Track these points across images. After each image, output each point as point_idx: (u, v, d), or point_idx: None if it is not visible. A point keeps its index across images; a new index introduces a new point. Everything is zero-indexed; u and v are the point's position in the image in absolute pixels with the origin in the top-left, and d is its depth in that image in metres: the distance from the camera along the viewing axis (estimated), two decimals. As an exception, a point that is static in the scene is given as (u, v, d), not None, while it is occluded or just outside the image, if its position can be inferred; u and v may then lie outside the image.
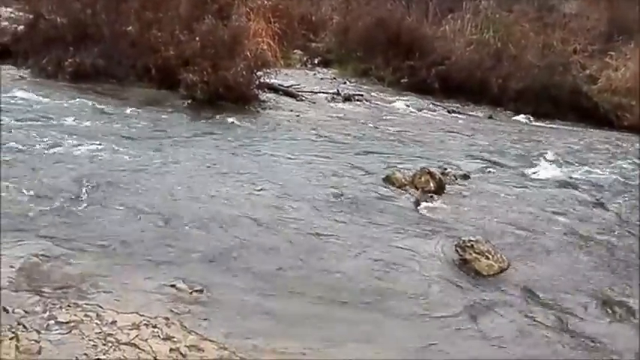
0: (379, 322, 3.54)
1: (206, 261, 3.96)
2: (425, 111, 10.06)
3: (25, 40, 9.34)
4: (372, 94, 10.74)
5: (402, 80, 11.66)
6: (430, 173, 5.88)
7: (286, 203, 5.10)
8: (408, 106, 10.21)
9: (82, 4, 9.00)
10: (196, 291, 3.51)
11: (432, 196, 5.65)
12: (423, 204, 5.49)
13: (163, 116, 7.55)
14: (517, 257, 4.55)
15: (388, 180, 5.92)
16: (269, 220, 4.71)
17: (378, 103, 10.13)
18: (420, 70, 11.55)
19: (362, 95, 10.40)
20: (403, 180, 5.89)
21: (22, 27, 9.61)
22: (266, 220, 4.70)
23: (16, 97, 7.49)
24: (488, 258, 4.29)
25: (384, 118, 9.09)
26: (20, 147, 5.66)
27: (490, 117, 10.45)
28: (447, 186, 5.90)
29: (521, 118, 10.70)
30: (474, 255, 4.29)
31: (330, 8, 15.33)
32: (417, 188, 5.76)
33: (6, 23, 10.15)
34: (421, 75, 11.48)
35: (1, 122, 6.20)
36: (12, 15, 10.21)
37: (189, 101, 8.16)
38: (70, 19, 9.12)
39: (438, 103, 10.69)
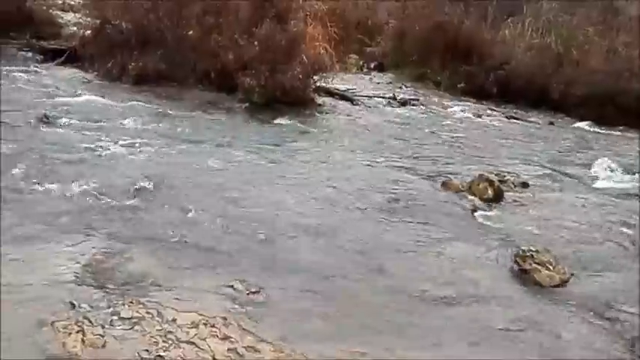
0: (434, 330, 3.49)
1: (262, 262, 4.00)
2: (482, 116, 9.86)
3: (91, 44, 9.69)
4: (429, 98, 10.60)
5: (459, 85, 11.46)
6: (488, 180, 5.77)
7: (342, 207, 5.11)
8: (465, 111, 10.03)
9: (146, 9, 9.26)
10: (253, 292, 3.56)
11: (490, 204, 5.54)
12: (481, 211, 5.39)
13: (221, 119, 7.69)
14: (579, 269, 4.40)
15: (445, 186, 5.84)
16: (325, 223, 4.73)
17: (435, 107, 9.99)
18: (477, 75, 11.33)
19: (418, 100, 10.29)
20: (460, 186, 5.81)
21: (89, 32, 9.98)
22: (322, 222, 4.72)
23: (82, 99, 7.80)
24: (549, 269, 4.17)
25: (441, 123, 8.96)
26: (85, 147, 5.89)
27: (551, 123, 10.15)
28: (505, 194, 5.78)
29: (583, 124, 10.32)
30: (534, 265, 4.18)
31: (386, 12, 15.27)
32: (474, 195, 5.66)
33: (74, 28, 10.60)
34: (479, 80, 11.25)
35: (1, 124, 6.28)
36: (80, 20, 10.63)
37: (247, 104, 8.28)
38: (134, 24, 9.41)
39: (496, 109, 10.45)
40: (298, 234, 4.47)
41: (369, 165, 6.39)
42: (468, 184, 5.82)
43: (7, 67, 8.95)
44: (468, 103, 10.58)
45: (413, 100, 10.23)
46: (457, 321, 3.59)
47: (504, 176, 6.28)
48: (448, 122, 9.14)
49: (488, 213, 5.38)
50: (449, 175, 6.12)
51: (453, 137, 8.15)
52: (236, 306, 3.39)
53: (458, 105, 10.38)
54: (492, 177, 5.93)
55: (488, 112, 10.25)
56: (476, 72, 11.36)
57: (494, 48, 11.83)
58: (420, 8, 13.11)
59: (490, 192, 5.65)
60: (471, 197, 5.63)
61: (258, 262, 3.97)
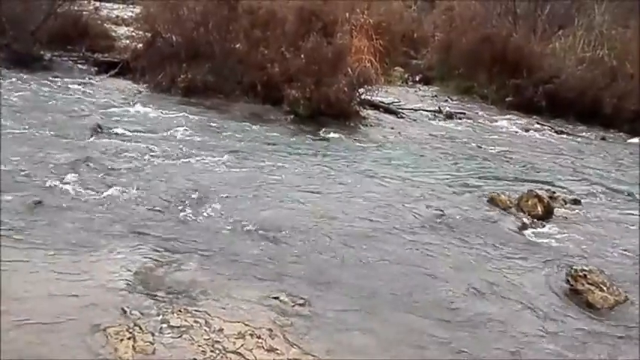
0: (479, 349, 3.41)
1: (308, 274, 4.01)
2: (531, 131, 9.67)
3: (143, 57, 9.99)
4: (475, 112, 10.49)
5: (507, 98, 11.28)
6: (538, 196, 5.63)
7: (387, 221, 5.08)
8: (512, 125, 9.87)
9: (195, 23, 9.48)
10: (299, 304, 3.57)
11: (539, 221, 5.40)
12: (530, 229, 5.26)
13: (266, 131, 7.77)
14: (634, 291, 4.24)
15: (492, 202, 5.74)
16: (370, 236, 4.70)
17: (482, 121, 9.87)
18: (526, 89, 11.13)
19: (464, 113, 10.18)
20: (508, 202, 5.69)
21: (140, 45, 10.29)
22: (367, 236, 4.70)
23: (133, 110, 8.02)
24: (602, 290, 4.03)
25: (488, 137, 8.83)
26: (136, 157, 6.04)
27: (603, 139, 9.87)
28: (555, 210, 5.64)
29: (637, 140, 10.00)
30: (587, 286, 4.05)
31: (432, 25, 15.21)
32: (523, 211, 5.54)
33: (127, 41, 10.95)
34: (527, 93, 11.06)
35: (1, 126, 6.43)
36: (132, 34, 10.96)
37: (292, 116, 8.36)
38: (184, 38, 9.66)
39: (545, 123, 10.24)
40: (344, 247, 4.46)
41: (413, 179, 6.34)
42: (517, 200, 5.70)
43: (64, 79, 9.32)
44: (516, 117, 10.41)
45: (459, 113, 10.14)
46: (504, 342, 3.50)
47: (554, 192, 6.13)
48: (495, 136, 9.00)
49: (538, 230, 5.25)
50: (496, 191, 6.00)
51: (500, 152, 8.02)
52: (282, 318, 3.40)
53: (505, 119, 10.22)
54: (542, 193, 5.79)
55: (537, 126, 10.05)
56: (524, 85, 11.17)
57: (544, 61, 11.61)
58: (467, 21, 13.00)
59: (540, 208, 5.52)
60: (519, 214, 5.51)
61: (304, 274, 3.97)
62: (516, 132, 9.53)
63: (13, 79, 8.85)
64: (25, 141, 6.12)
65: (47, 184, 5.01)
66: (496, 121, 10.05)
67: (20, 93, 8.16)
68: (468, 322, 3.67)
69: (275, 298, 3.60)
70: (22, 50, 9.78)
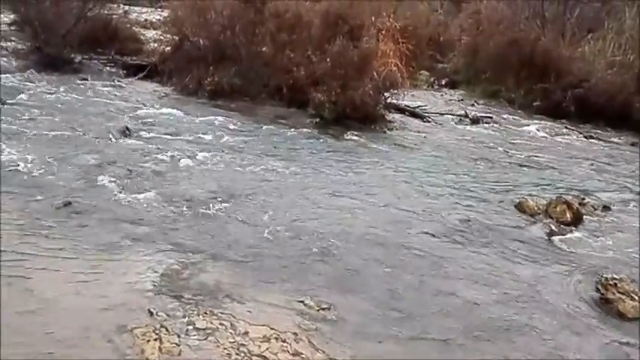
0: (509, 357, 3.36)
1: (333, 278, 4.00)
2: (559, 136, 9.51)
3: (170, 60, 10.10)
4: (502, 116, 10.35)
5: (535, 103, 11.11)
6: (567, 203, 5.53)
7: (412, 225, 5.05)
8: (540, 130, 9.71)
9: (222, 26, 9.55)
10: (323, 309, 3.56)
11: (568, 227, 5.31)
12: (559, 235, 5.17)
13: (291, 134, 7.78)
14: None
15: (520, 207, 5.66)
16: (395, 242, 4.68)
17: (509, 126, 9.73)
18: (554, 93, 10.94)
19: (491, 118, 10.06)
20: (536, 208, 5.60)
21: (168, 48, 10.40)
22: (391, 241, 4.68)
23: (160, 113, 8.12)
24: (633, 299, 3.94)
25: (515, 142, 8.71)
26: (163, 159, 6.10)
27: (633, 144, 9.65)
28: (585, 217, 5.53)
29: (669, 146, 9.76)
30: (618, 295, 3.96)
31: (458, 28, 15.09)
32: (551, 218, 5.45)
33: (155, 45, 11.08)
34: (556, 98, 10.86)
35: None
36: (160, 37, 11.08)
37: (317, 120, 8.35)
38: (211, 41, 9.75)
39: (574, 128, 10.06)
40: (368, 252, 4.44)
41: (439, 183, 6.29)
42: (545, 206, 5.61)
43: (93, 82, 9.48)
44: (544, 122, 10.24)
45: (485, 117, 10.01)
46: (533, 351, 3.45)
47: (583, 199, 6.02)
48: (522, 141, 8.88)
49: (567, 237, 5.15)
50: (524, 197, 5.91)
51: (527, 157, 7.90)
52: (307, 322, 3.40)
53: (533, 123, 10.06)
54: (571, 199, 5.68)
55: (565, 131, 9.88)
56: (552, 89, 10.98)
57: (573, 65, 11.40)
58: (494, 24, 12.85)
59: (569, 215, 5.42)
60: (547, 220, 5.42)
61: (329, 278, 3.97)
62: (544, 137, 9.38)
63: (45, 82, 9.03)
64: (56, 142, 6.24)
65: (76, 186, 5.10)
66: (524, 125, 9.91)
67: (51, 95, 8.32)
68: (494, 330, 3.63)
69: (300, 301, 3.60)
70: (54, 53, 9.97)
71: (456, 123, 9.58)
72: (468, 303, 3.90)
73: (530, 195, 6.03)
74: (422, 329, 3.54)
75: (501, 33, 12.34)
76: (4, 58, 10.26)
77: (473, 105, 11.11)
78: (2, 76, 9.14)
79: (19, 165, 5.44)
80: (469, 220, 5.31)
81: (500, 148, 8.21)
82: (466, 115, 9.91)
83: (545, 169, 7.42)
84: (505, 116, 10.42)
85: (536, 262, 4.60)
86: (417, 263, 4.37)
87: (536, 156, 8.00)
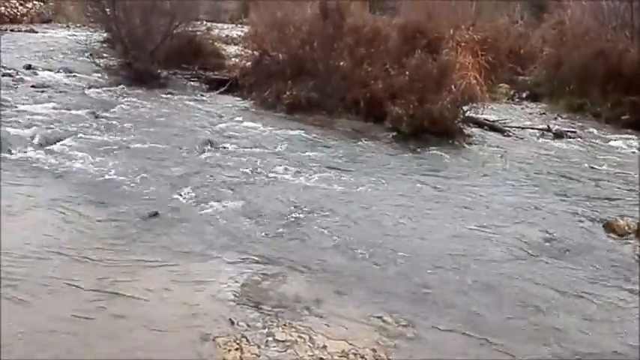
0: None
1: (412, 295, 3.96)
2: (650, 152, 9.00)
3: (250, 74, 10.40)
4: (587, 131, 9.91)
5: (623, 117, 10.56)
6: (661, 224, 5.22)
7: (493, 243, 4.91)
8: (629, 145, 9.21)
9: (301, 41, 9.73)
10: (402, 325, 3.53)
11: (663, 250, 5.00)
12: (652, 258, 4.88)
13: (369, 148, 7.80)
14: None
15: (608, 227, 5.38)
16: (475, 258, 4.57)
17: (595, 141, 9.31)
18: (644, 106, 10.39)
19: (575, 132, 9.66)
20: (627, 228, 5.31)
21: (248, 63, 10.71)
22: (472, 258, 4.57)
23: (241, 126, 8.36)
24: None
25: (602, 157, 8.31)
26: (243, 171, 6.28)
27: None
28: (682, 239, 5.19)
29: None
30: None
31: (540, 40, 14.63)
32: (644, 239, 5.15)
33: (236, 60, 11.45)
34: (646, 111, 10.31)
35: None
36: (241, 52, 11.44)
37: (394, 134, 8.32)
38: (289, 55, 9.96)
39: (668, 144, 9.49)
40: (447, 268, 4.36)
41: (520, 200, 6.09)
42: (637, 226, 5.31)
43: (178, 96, 9.91)
44: (633, 137, 9.71)
45: (569, 132, 9.62)
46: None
47: (680, 220, 5.65)
48: (610, 157, 8.45)
49: (661, 260, 4.86)
50: (612, 216, 5.63)
51: (615, 173, 7.52)
52: (385, 339, 3.38)
53: (621, 138, 9.56)
54: (666, 220, 5.36)
55: (658, 146, 9.33)
56: (643, 103, 10.42)
57: (665, 77, 10.78)
58: (579, 35, 12.38)
59: (663, 237, 5.11)
60: (639, 241, 5.13)
61: (408, 295, 3.93)
62: (633, 152, 8.90)
63: (133, 96, 9.54)
64: (143, 154, 6.56)
65: (162, 196, 5.33)
66: (611, 140, 9.44)
67: (139, 109, 8.76)
68: (579, 353, 3.46)
69: (378, 317, 3.58)
70: (142, 69, 10.52)
71: (537, 137, 9.26)
72: (552, 325, 3.74)
73: (619, 214, 5.73)
74: (504, 352, 3.43)
75: (587, 44, 11.86)
76: (97, 74, 10.93)
77: (556, 119, 10.72)
78: (95, 90, 9.74)
79: (110, 175, 5.76)
80: (552, 239, 5.10)
81: (585, 164, 7.86)
82: (549, 129, 9.57)
83: (636, 186, 7.02)
84: (591, 130, 9.98)
85: (624, 285, 4.35)
86: (497, 282, 4.24)
87: (625, 172, 7.59)
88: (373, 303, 3.76)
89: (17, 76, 10.06)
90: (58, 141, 6.65)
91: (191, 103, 9.62)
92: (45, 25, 18.94)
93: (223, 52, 12.59)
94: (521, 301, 4.03)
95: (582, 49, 11.81)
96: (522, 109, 11.58)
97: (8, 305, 3.42)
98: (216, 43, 13.12)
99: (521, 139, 9.08)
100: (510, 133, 9.24)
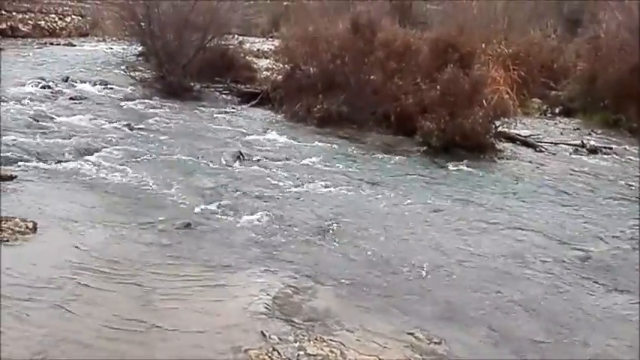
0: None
1: (443, 311, 3.92)
2: (690, 169, 8.77)
3: (281, 87, 10.50)
4: (623, 147, 9.71)
5: (661, 133, 10.36)
6: (702, 243, 5.07)
7: (527, 260, 4.84)
8: (668, 162, 9.01)
9: (332, 55, 9.79)
10: (434, 342, 3.49)
11: None
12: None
13: (399, 161, 7.78)
14: None
15: (647, 247, 5.26)
16: (509, 275, 4.51)
17: (631, 157, 9.11)
18: (683, 122, 10.16)
19: (611, 148, 9.48)
20: (666, 249, 5.18)
21: (280, 76, 10.82)
22: (506, 275, 4.51)
23: (272, 138, 8.44)
24: None
25: (638, 174, 8.13)
26: (274, 184, 6.32)
27: None
28: None
29: None
30: None
31: (574, 55, 14.43)
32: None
33: (267, 73, 11.57)
34: (685, 128, 10.08)
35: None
36: (272, 66, 11.56)
37: (425, 148, 8.29)
38: (321, 69, 10.02)
39: None
40: (481, 285, 4.31)
41: (554, 217, 5.98)
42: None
43: (210, 108, 10.05)
44: (671, 154, 9.49)
45: (604, 148, 9.45)
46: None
47: None
48: (647, 174, 8.27)
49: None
50: (650, 235, 5.50)
51: (653, 191, 7.35)
52: (417, 355, 3.35)
53: (660, 155, 9.35)
54: None
55: (697, 164, 9.09)
56: (681, 119, 10.20)
57: None
58: (614, 49, 12.18)
59: None
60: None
61: (439, 311, 3.89)
62: (672, 170, 8.69)
63: (167, 108, 9.71)
64: (176, 165, 6.66)
65: (195, 208, 5.39)
66: (649, 156, 9.24)
67: (173, 121, 8.91)
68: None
69: (409, 333, 3.55)
70: (175, 82, 10.72)
71: (571, 153, 9.12)
72: (592, 348, 3.66)
73: (658, 233, 5.60)
74: (538, 372, 3.37)
75: (622, 59, 11.67)
76: (132, 86, 11.16)
77: (590, 134, 10.53)
78: (130, 102, 9.94)
79: (144, 186, 5.86)
80: (589, 258, 5.01)
81: (621, 182, 7.70)
82: (583, 145, 9.41)
83: (674, 204, 6.85)
84: (627, 147, 9.78)
85: (666, 307, 4.23)
86: (531, 300, 4.17)
87: (663, 191, 7.41)
88: (404, 318, 3.73)
89: (56, 88, 10.34)
90: (95, 152, 6.80)
91: (223, 115, 9.75)
92: (82, 39, 19.47)
93: (254, 66, 12.74)
94: (556, 319, 3.95)
95: (618, 64, 11.63)
96: (555, 124, 11.42)
97: (46, 312, 3.48)
98: (247, 57, 13.29)
99: (554, 154, 8.94)
100: (543, 149, 9.12)
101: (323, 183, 6.47)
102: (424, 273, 4.42)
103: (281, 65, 11.01)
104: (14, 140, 6.84)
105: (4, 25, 18.28)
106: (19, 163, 6.10)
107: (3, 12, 18.59)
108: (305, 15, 15.44)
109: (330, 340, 3.42)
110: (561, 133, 10.54)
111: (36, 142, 6.90)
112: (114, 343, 3.25)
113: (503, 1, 16.74)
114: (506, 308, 4.03)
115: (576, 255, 5.04)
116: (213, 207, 5.45)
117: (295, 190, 6.21)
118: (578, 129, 11.03)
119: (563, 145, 9.46)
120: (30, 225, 4.51)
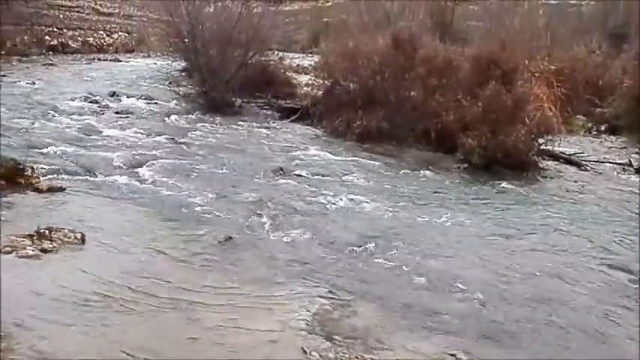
0: None
1: (484, 331, 3.85)
2: None
3: (321, 103, 10.57)
4: (673, 166, 9.40)
5: None
6: None
7: (573, 281, 4.72)
8: None
9: (372, 71, 9.81)
10: (476, 365, 3.43)
11: None
12: None
13: (439, 179, 7.72)
14: None
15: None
16: (553, 297, 4.40)
17: (681, 177, 8.83)
18: None
19: (660, 168, 9.19)
20: None
21: (319, 92, 10.89)
22: (550, 296, 4.41)
23: (311, 154, 8.49)
24: None
25: (689, 195, 7.86)
26: (314, 200, 6.34)
27: None
28: None
29: None
30: None
31: (620, 71, 14.10)
32: None
33: (307, 89, 11.66)
34: None
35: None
36: (312, 82, 11.65)
37: (465, 165, 8.21)
38: (360, 85, 10.06)
39: None
40: (525, 307, 4.22)
41: (599, 239, 5.82)
42: None
43: (251, 123, 10.19)
44: None
45: (653, 167, 9.17)
46: None
47: None
48: (698, 195, 7.98)
49: None
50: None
51: None
52: (459, 378, 3.30)
53: None
54: None
55: None
56: None
57: None
58: (663, 66, 11.86)
59: None
60: None
61: (483, 332, 3.82)
62: None
63: (209, 123, 9.89)
64: (218, 179, 6.76)
65: (236, 222, 5.45)
66: (699, 177, 8.92)
67: (214, 135, 9.07)
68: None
69: (452, 355, 3.50)
70: (218, 97, 10.93)
71: (617, 172, 8.88)
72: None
73: None
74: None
75: (672, 75, 11.35)
76: (176, 101, 11.42)
77: (637, 153, 10.24)
78: (174, 117, 10.17)
79: (187, 199, 5.96)
80: (636, 280, 4.85)
81: (672, 202, 7.45)
82: (630, 164, 9.15)
83: None
84: (678, 166, 9.45)
85: None
86: (581, 323, 4.06)
87: None
88: (446, 339, 3.68)
89: (103, 103, 10.66)
90: (140, 165, 6.97)
91: (263, 130, 9.87)
92: (128, 55, 20.07)
93: (294, 81, 12.87)
94: (606, 343, 3.84)
95: (666, 80, 11.31)
96: (600, 142, 11.15)
97: (91, 325, 3.56)
98: (287, 73, 13.44)
99: (600, 173, 8.73)
100: (588, 168, 8.91)
101: (363, 199, 6.47)
102: (469, 292, 4.35)
103: (321, 81, 11.09)
104: (64, 153, 7.08)
105: (55, 42, 19.04)
106: (68, 176, 6.30)
107: (55, 29, 19.35)
108: (345, 31, 15.58)
109: (371, 358, 3.40)
110: (607, 152, 10.29)
111: (84, 155, 7.12)
112: (152, 354, 3.29)
113: (546, 16, 16.54)
114: (553, 331, 3.93)
115: (623, 277, 4.90)
116: (254, 221, 5.50)
117: (335, 205, 6.22)
118: (624, 147, 10.74)
119: (609, 164, 9.24)
120: (78, 236, 4.64)
